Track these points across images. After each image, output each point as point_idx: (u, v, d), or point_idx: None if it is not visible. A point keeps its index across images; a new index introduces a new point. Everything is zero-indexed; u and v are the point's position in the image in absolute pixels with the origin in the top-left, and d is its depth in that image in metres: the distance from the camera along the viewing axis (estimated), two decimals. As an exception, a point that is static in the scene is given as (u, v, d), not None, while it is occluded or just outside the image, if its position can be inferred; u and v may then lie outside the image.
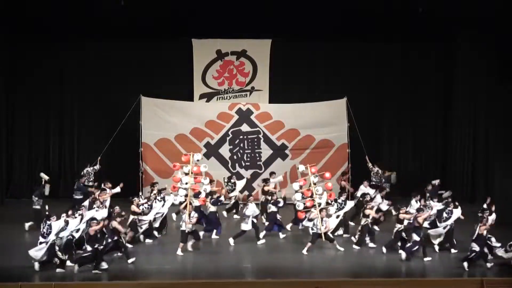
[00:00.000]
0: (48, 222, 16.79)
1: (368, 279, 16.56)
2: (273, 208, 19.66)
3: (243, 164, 24.09)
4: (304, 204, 19.15)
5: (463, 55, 24.08)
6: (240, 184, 22.36)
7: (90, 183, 22.01)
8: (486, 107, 24.13)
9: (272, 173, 22.65)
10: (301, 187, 19.53)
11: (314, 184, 19.50)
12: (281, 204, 19.71)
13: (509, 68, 23.06)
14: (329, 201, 19.49)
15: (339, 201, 19.71)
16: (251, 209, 19.10)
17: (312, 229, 18.42)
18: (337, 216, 19.53)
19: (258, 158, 24.08)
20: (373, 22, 23.23)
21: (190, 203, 18.90)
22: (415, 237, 17.72)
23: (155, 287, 16.21)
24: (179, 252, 18.00)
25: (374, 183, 22.34)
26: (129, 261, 17.19)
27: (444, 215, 18.62)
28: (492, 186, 23.71)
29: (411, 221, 17.87)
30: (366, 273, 17.01)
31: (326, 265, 17.58)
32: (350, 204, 20.06)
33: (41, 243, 16.64)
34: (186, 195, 19.05)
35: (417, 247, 17.63)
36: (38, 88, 24.39)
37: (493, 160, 24.01)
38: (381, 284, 16.18)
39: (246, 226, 19.05)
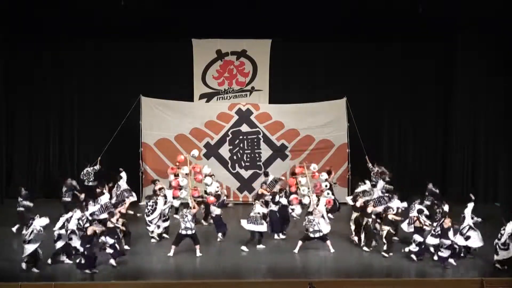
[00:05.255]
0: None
1: (367, 279, 16.57)
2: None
3: (243, 165, 24.07)
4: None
5: (463, 55, 24.05)
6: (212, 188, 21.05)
7: (90, 183, 22.02)
8: (486, 107, 24.12)
9: (266, 173, 22.24)
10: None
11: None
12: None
13: (509, 68, 23.10)
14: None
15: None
16: (258, 209, 19.03)
17: (307, 229, 18.36)
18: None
19: (258, 159, 24.05)
20: (373, 22, 23.21)
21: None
22: (419, 238, 17.76)
23: (155, 287, 16.23)
24: (170, 254, 17.98)
25: (374, 183, 22.29)
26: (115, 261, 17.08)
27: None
28: (495, 185, 23.77)
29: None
30: (367, 273, 17.04)
31: (326, 265, 17.60)
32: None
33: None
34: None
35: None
36: (38, 88, 24.35)
37: (493, 160, 24.02)
38: (380, 284, 16.21)
39: (262, 227, 18.95)
